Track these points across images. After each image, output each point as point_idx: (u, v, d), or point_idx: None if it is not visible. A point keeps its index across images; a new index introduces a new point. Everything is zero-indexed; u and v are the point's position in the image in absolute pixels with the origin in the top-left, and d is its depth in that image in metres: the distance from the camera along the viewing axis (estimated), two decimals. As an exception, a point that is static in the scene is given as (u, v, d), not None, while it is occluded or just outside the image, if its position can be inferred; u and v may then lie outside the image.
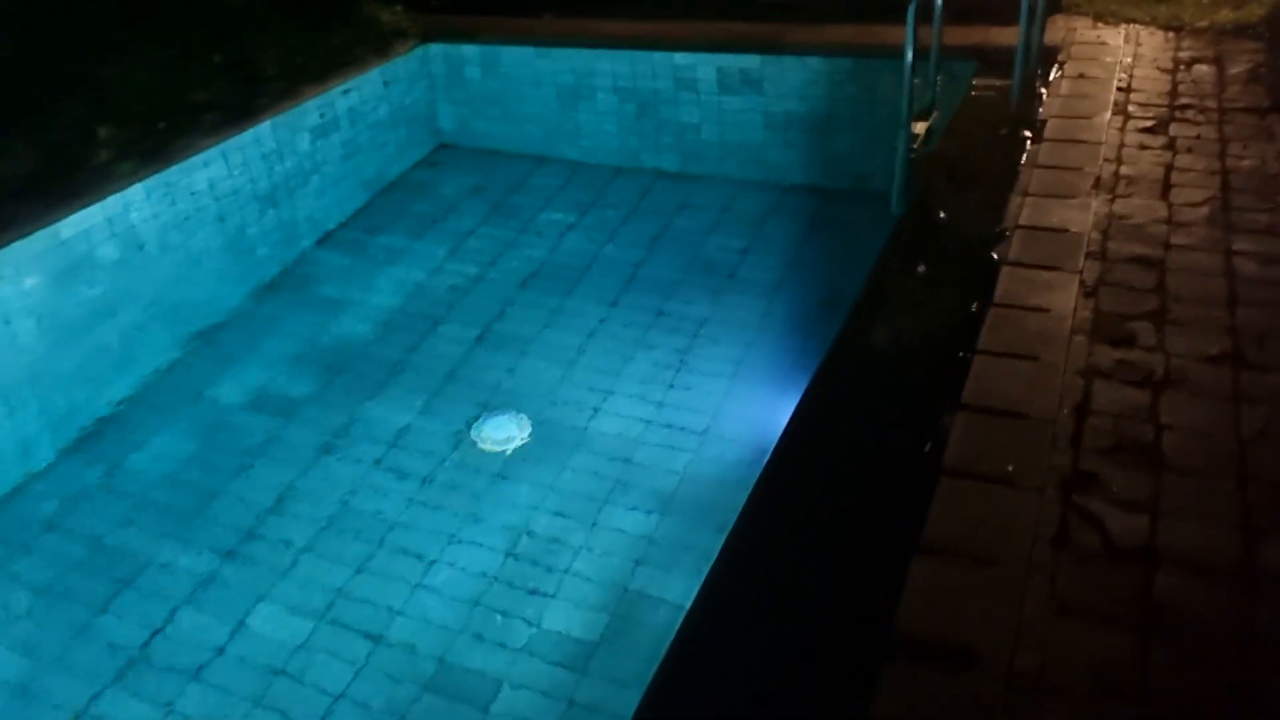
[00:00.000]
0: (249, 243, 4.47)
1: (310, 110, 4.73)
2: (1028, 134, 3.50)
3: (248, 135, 4.39)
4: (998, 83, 4.04)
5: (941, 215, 3.11)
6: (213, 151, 4.23)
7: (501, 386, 3.88)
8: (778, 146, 4.98)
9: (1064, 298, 2.54)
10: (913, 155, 3.57)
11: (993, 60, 4.28)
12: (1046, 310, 2.51)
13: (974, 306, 2.55)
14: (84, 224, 3.74)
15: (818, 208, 4.83)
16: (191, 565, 3.20)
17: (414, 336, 4.18)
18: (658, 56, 4.96)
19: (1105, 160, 3.28)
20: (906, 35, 3.32)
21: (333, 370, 4.02)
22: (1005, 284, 2.62)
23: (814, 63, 4.73)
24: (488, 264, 4.64)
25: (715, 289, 4.32)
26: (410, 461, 3.55)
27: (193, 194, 4.14)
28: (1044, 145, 3.42)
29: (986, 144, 3.54)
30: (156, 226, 4.00)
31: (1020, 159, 3.33)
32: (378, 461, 3.56)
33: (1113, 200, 3.02)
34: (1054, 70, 4.08)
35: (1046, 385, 2.25)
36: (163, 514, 3.41)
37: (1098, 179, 3.15)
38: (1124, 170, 3.21)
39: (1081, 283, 2.60)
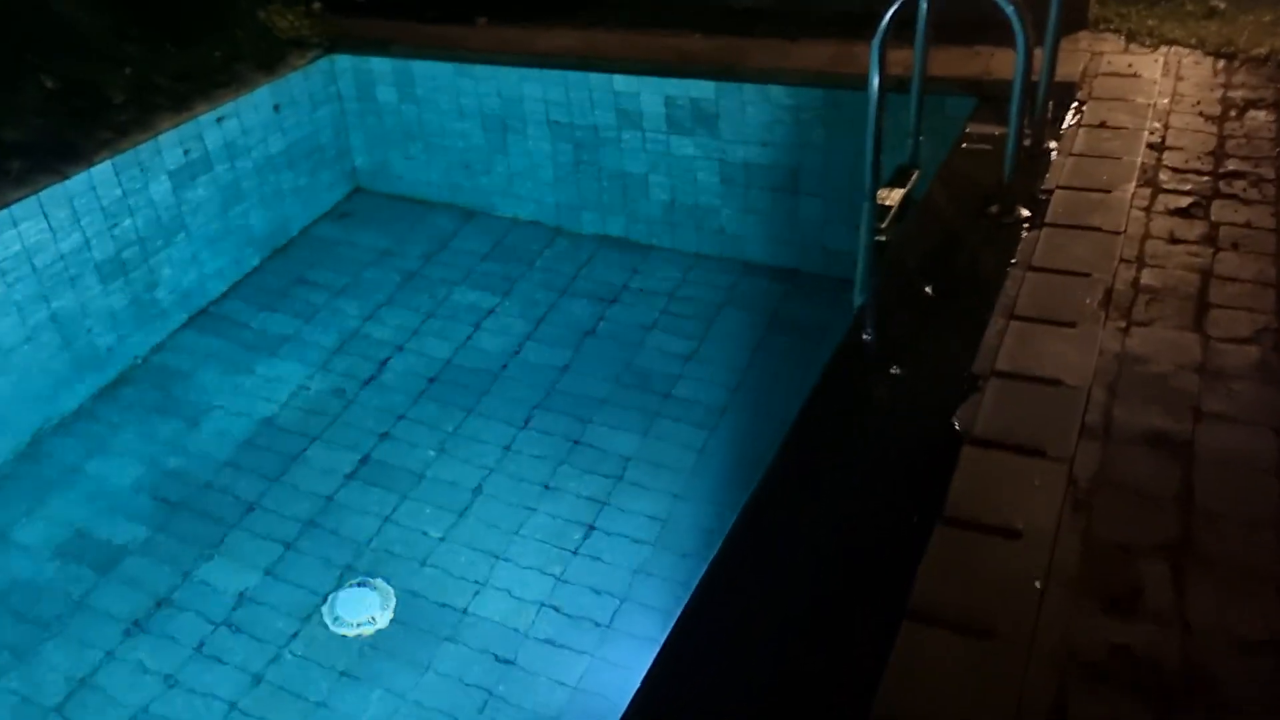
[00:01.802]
0: (85, 326, 3.84)
1: (169, 146, 4.04)
2: (1025, 214, 2.84)
3: (78, 182, 3.69)
4: (999, 131, 3.28)
5: (887, 357, 2.45)
6: (26, 204, 3.53)
7: (371, 543, 3.30)
8: (736, 210, 4.37)
9: (1043, 509, 1.87)
10: (881, 237, 2.92)
11: (998, 97, 3.38)
12: (1015, 534, 1.83)
13: (915, 519, 1.92)
14: None
15: (780, 298, 4.22)
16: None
17: (278, 462, 3.60)
18: (595, 79, 4.33)
19: (1122, 260, 2.59)
20: (871, 63, 2.61)
21: (171, 507, 3.45)
22: (963, 479, 1.96)
23: (777, 94, 4.05)
24: (383, 361, 4.04)
25: (647, 412, 3.72)
26: (241, 648, 2.99)
27: (-8, 259, 3.50)
28: (1044, 233, 2.74)
29: (969, 226, 2.89)
30: None
31: (1011, 254, 2.66)
32: (199, 647, 2.99)
33: (1127, 329, 2.34)
34: (1069, 115, 3.38)
35: (1000, 688, 1.59)
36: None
37: (1109, 292, 2.48)
38: (1146, 278, 2.53)
39: (1071, 483, 1.93)
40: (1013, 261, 2.62)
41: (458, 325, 4.22)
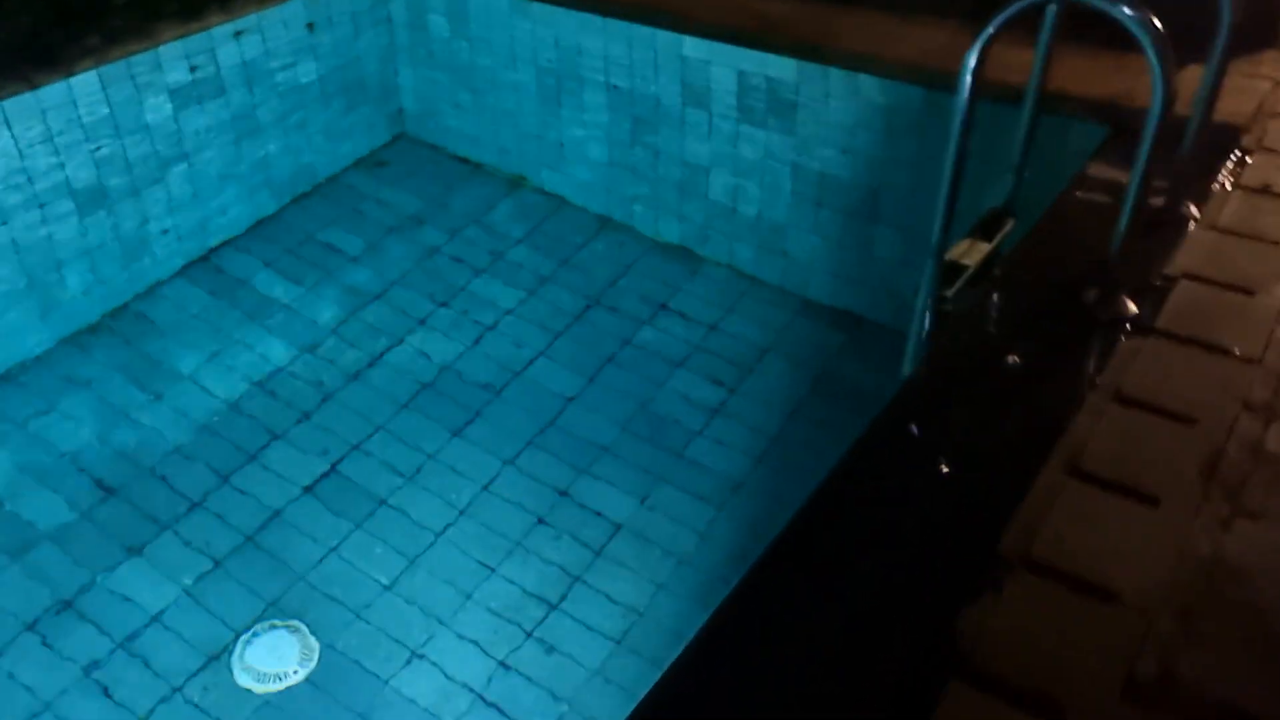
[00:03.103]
0: (55, 261, 3.54)
1: (172, 60, 3.63)
2: (1131, 309, 2.17)
3: (53, 92, 3.31)
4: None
5: (924, 449, 1.94)
6: None
7: (308, 576, 3.00)
8: (804, 231, 3.83)
9: None
10: (946, 304, 2.39)
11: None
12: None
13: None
14: None
15: (835, 351, 3.71)
16: None
17: (233, 458, 3.32)
18: (662, 39, 3.78)
19: (1248, 408, 1.90)
20: (961, 80, 2.09)
21: (106, 491, 3.20)
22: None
23: (868, 87, 3.44)
24: (378, 354, 3.70)
25: (652, 473, 3.30)
26: (132, 680, 2.74)
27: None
28: (1149, 343, 2.08)
29: (1049, 316, 2.25)
30: None
31: (1097, 370, 2.03)
32: (88, 669, 2.75)
33: (1230, 520, 1.71)
34: (1224, 169, 2.64)
35: None
36: None
37: (1218, 455, 1.83)
38: (1276, 442, 1.85)
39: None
40: (1096, 381, 2.01)
41: (469, 323, 3.84)
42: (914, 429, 2.02)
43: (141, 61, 3.57)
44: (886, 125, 3.50)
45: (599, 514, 3.20)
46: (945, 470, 1.87)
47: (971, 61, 2.13)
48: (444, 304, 3.91)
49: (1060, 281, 2.38)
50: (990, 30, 2.12)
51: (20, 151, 3.31)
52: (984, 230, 2.58)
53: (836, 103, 3.54)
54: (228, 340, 3.72)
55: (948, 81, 3.23)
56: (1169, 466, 1.85)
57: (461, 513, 3.20)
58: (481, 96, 4.44)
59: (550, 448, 3.40)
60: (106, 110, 3.50)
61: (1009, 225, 2.62)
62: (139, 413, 3.45)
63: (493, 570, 3.05)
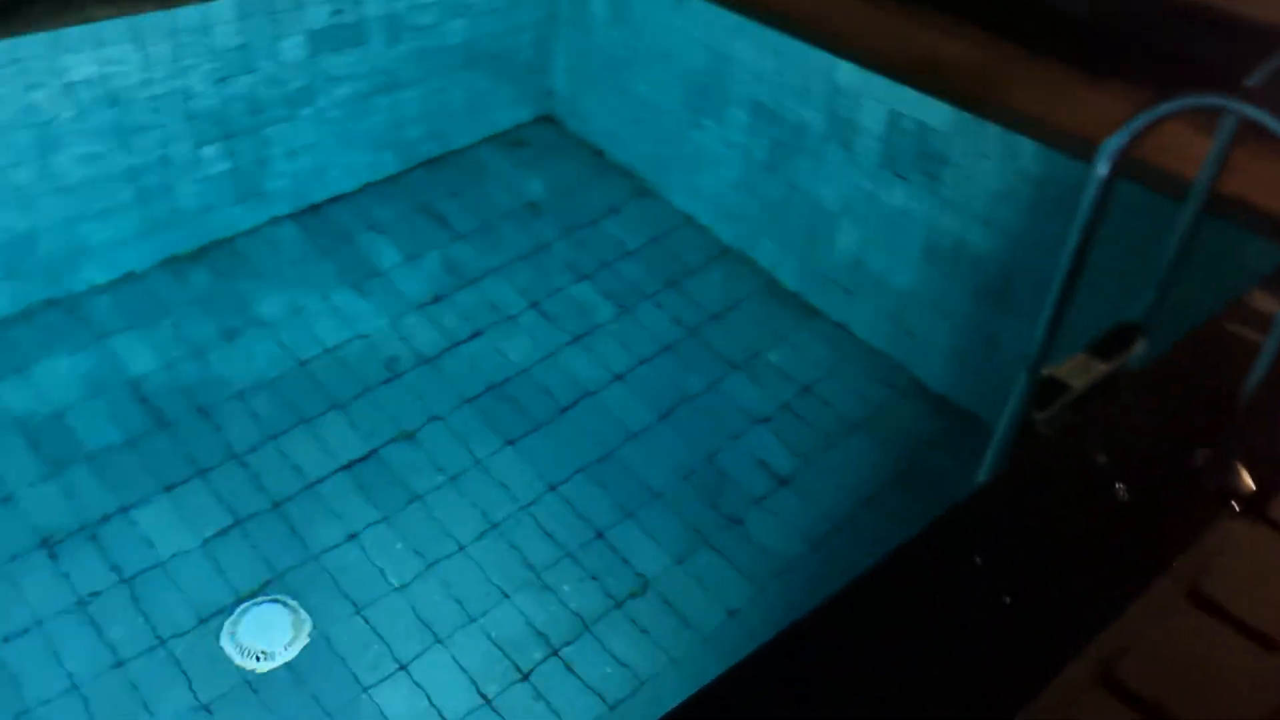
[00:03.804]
0: (167, 183, 3.58)
1: (314, 11, 3.62)
2: (1246, 483, 1.75)
3: (188, 14, 3.33)
4: None
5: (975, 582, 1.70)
6: (115, 25, 3.20)
7: (322, 558, 2.96)
8: (927, 302, 3.54)
9: None
10: (1040, 423, 2.11)
11: None
12: None
13: None
14: None
15: (930, 443, 3.42)
16: None
17: (286, 418, 3.31)
18: (816, 59, 3.52)
19: None
20: (1090, 180, 1.87)
21: (159, 423, 3.24)
22: None
23: (1026, 152, 3.11)
24: (457, 341, 3.63)
25: (699, 533, 3.12)
26: (123, 622, 2.75)
27: (66, 84, 3.20)
28: (1256, 534, 1.69)
29: (1150, 471, 1.83)
30: None
31: (1180, 549, 1.66)
32: (84, 600, 2.77)
33: None
34: None
35: None
36: None
37: None
38: None
39: None
40: (1173, 565, 1.63)
41: (557, 328, 3.72)
42: (974, 546, 1.78)
43: (288, -3, 3.62)
44: (1037, 200, 3.17)
45: (630, 564, 3.04)
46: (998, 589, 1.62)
47: (1112, 147, 1.85)
48: (536, 303, 3.81)
49: (1170, 431, 2.06)
50: (1141, 122, 1.84)
51: (147, 70, 3.36)
52: (1105, 347, 2.26)
53: (988, 164, 3.23)
54: (315, 295, 3.72)
55: (1124, 163, 2.91)
56: (1240, 698, 1.55)
57: (493, 528, 3.10)
58: (628, 90, 4.31)
59: (601, 480, 3.26)
60: (240, 41, 3.52)
61: (1138, 346, 2.29)
62: (210, 351, 3.49)
63: (506, 597, 2.94)
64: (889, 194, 3.53)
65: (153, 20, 3.30)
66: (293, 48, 3.66)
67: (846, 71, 3.48)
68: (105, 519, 2.98)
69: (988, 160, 3.23)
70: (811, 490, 3.28)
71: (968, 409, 3.55)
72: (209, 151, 3.63)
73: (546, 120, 4.68)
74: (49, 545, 2.90)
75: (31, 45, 3.06)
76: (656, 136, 4.28)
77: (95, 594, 2.81)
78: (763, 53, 3.70)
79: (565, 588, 2.98)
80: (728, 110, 3.92)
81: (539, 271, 3.95)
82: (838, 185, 3.67)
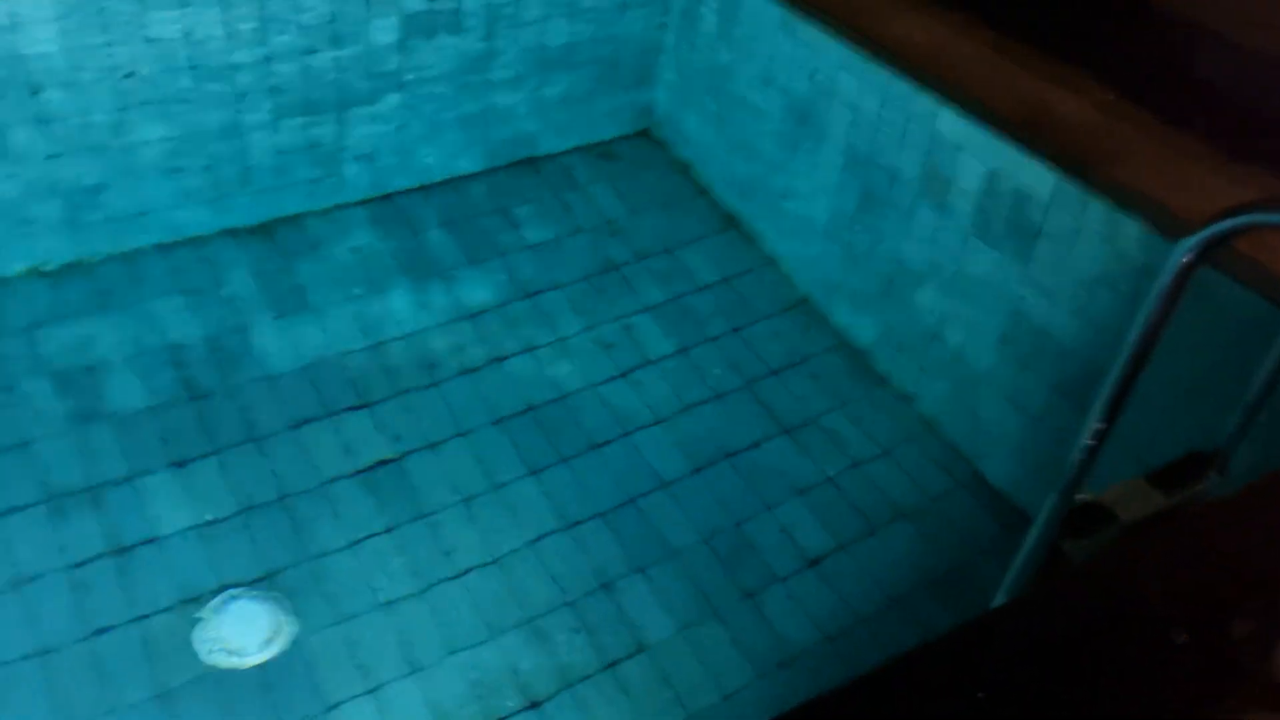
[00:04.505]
0: (239, 152, 3.58)
1: None
2: None
3: None
4: None
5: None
6: None
7: (315, 562, 2.91)
8: (1000, 389, 3.28)
9: None
10: (1073, 551, 1.92)
11: None
12: None
13: None
14: None
15: (985, 547, 3.16)
16: None
17: (312, 409, 3.27)
18: (919, 103, 3.30)
19: None
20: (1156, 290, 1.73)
21: (188, 394, 3.24)
22: None
23: (1129, 235, 2.82)
24: (502, 356, 3.54)
25: (713, 600, 2.96)
26: (104, 594, 2.74)
27: (148, 40, 3.22)
28: None
29: (1179, 626, 1.73)
30: (62, 66, 3.14)
31: None
32: (72, 565, 2.78)
33: None
34: None
35: None
36: None
37: None
38: None
39: None
40: None
41: (608, 359, 3.61)
42: (979, 678, 1.60)
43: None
44: (1135, 292, 2.88)
45: (631, 623, 2.90)
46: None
47: (1203, 235, 1.66)
48: (592, 328, 3.70)
49: (1213, 591, 1.83)
50: (1245, 221, 1.63)
51: (231, 36, 3.36)
52: (1169, 477, 2.02)
53: (1086, 245, 2.97)
54: (371, 287, 3.69)
55: (1237, 265, 2.63)
56: None
57: (495, 561, 3.00)
58: (727, 113, 4.16)
59: (619, 528, 3.13)
60: (329, 14, 3.49)
61: (1209, 481, 2.06)
62: (254, 328, 3.48)
63: (493, 637, 2.83)
64: (975, 263, 3.30)
65: (242, -12, 3.33)
66: (384, 29, 3.62)
67: (948, 120, 3.26)
68: (112, 484, 2.98)
69: (1086, 239, 2.97)
70: (839, 577, 3.09)
71: (1030, 515, 3.30)
72: (287, 125, 3.63)
73: (643, 136, 4.57)
74: (52, 502, 2.92)
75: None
76: (749, 167, 4.13)
77: (83, 561, 2.81)
78: (866, 90, 3.50)
79: (558, 637, 2.86)
80: (823, 148, 3.74)
81: (602, 295, 3.85)
82: (924, 246, 3.45)
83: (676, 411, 3.49)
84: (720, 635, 2.92)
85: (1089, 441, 1.94)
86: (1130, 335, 1.87)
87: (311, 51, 3.52)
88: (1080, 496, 1.99)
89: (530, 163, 4.30)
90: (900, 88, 3.38)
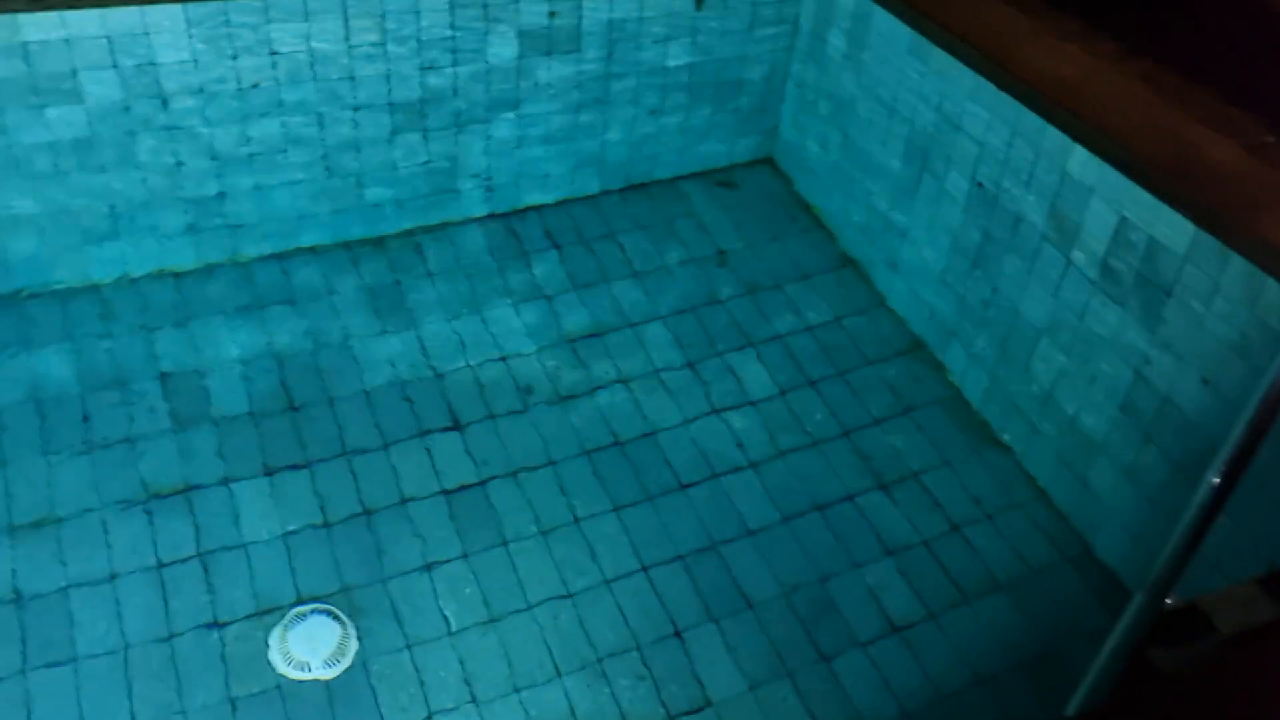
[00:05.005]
0: (354, 167, 3.68)
1: (529, 9, 3.58)
2: None
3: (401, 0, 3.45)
4: None
5: None
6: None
7: (390, 582, 2.95)
8: (1117, 461, 3.07)
9: None
10: (1162, 661, 1.80)
11: None
12: None
13: None
14: (61, 30, 3.08)
15: (1089, 631, 2.92)
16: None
17: (405, 427, 3.32)
18: (1051, 140, 3.12)
19: None
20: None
21: (286, 403, 3.34)
22: None
23: (1272, 297, 2.61)
24: (595, 386, 3.53)
25: (788, 661, 2.86)
26: (184, 595, 2.84)
27: (272, 53, 3.34)
28: None
29: None
30: (188, 78, 3.28)
31: None
32: (160, 564, 2.89)
33: None
34: None
35: None
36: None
37: None
38: None
39: None
40: None
41: (702, 396, 3.54)
42: None
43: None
44: (1267, 360, 2.67)
45: (699, 676, 2.83)
46: None
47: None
48: (693, 364, 3.65)
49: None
50: None
51: (352, 50, 3.46)
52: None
53: (1222, 304, 2.75)
54: (474, 307, 3.74)
55: None
56: None
57: (568, 597, 2.98)
58: (850, 143, 4.05)
59: (696, 574, 3.07)
60: (448, 31, 3.55)
61: None
62: (358, 341, 3.57)
63: (558, 675, 2.81)
64: (1098, 319, 3.11)
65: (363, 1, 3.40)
66: (502, 45, 3.67)
67: (1080, 159, 3.07)
68: (204, 487, 3.11)
69: (1222, 299, 2.75)
70: (925, 648, 2.95)
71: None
72: (404, 141, 3.72)
73: (764, 164, 4.50)
74: (149, 500, 3.06)
75: (243, 10, 3.23)
76: (869, 201, 4.01)
77: (171, 562, 2.94)
78: (994, 122, 3.34)
79: (622, 682, 2.82)
80: (946, 184, 3.60)
81: (705, 329, 3.79)
82: (1045, 297, 3.27)
83: (770, 456, 3.41)
84: (790, 698, 2.83)
85: (1189, 532, 1.80)
86: (1249, 406, 1.72)
87: (430, 68, 3.59)
88: (1174, 599, 1.84)
89: (645, 187, 4.28)
90: (1032, 121, 3.20)
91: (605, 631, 2.93)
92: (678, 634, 2.94)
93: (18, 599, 2.81)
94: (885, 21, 3.71)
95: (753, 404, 3.57)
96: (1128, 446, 3.08)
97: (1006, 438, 3.49)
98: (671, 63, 4.00)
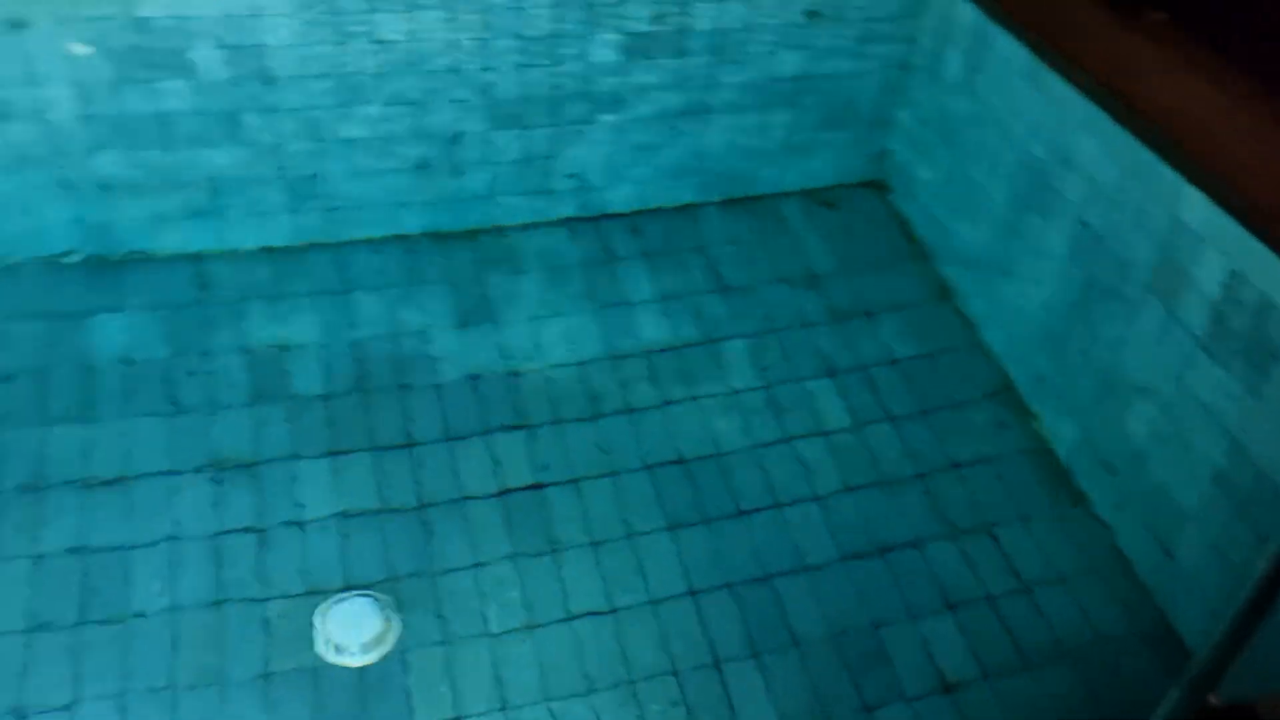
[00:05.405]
0: (456, 159, 3.72)
1: (635, 12, 3.55)
2: None
3: None
4: None
5: None
6: None
7: (438, 578, 2.97)
8: (1204, 536, 2.89)
9: None
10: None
11: None
12: None
13: None
14: (177, 7, 3.19)
15: (1152, 706, 2.82)
16: None
17: (471, 424, 3.35)
18: (1163, 180, 2.94)
19: None
20: None
21: (360, 388, 3.40)
22: None
23: None
24: (667, 400, 3.49)
25: (826, 703, 2.79)
26: (237, 565, 2.92)
27: (376, 42, 3.40)
28: None
29: None
30: (294, 61, 3.36)
31: None
32: (217, 533, 2.97)
33: None
34: None
35: None
36: None
37: None
38: None
39: None
40: None
41: (774, 420, 3.46)
42: None
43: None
44: None
45: (734, 711, 2.78)
46: None
47: None
48: (769, 386, 3.58)
49: None
50: None
51: (454, 44, 3.48)
52: None
53: None
54: (555, 308, 3.74)
55: None
56: None
57: (610, 612, 2.96)
58: (958, 170, 3.92)
59: (745, 604, 3.01)
60: (551, 29, 3.56)
61: None
62: (436, 333, 3.61)
63: (591, 691, 2.79)
64: (1199, 381, 2.93)
65: (468, -2, 3.46)
66: (605, 47, 3.66)
67: (1195, 204, 2.89)
68: (270, 461, 3.19)
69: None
70: (975, 711, 2.82)
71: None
72: (500, 136, 3.75)
73: (872, 186, 4.38)
74: (215, 470, 3.16)
75: (347, -1, 3.34)
76: (973, 234, 3.88)
77: (226, 531, 3.02)
78: (1106, 157, 3.19)
79: (654, 706, 2.78)
80: (1052, 222, 3.45)
81: (787, 352, 3.71)
82: (1145, 351, 3.11)
83: (837, 491, 3.32)
84: (821, 754, 2.76)
85: (1240, 621, 1.68)
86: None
87: (531, 65, 3.61)
88: (1218, 697, 1.72)
89: (743, 201, 4.23)
90: (1145, 158, 3.04)
91: (644, 652, 2.90)
92: (717, 664, 2.88)
93: (82, 551, 2.94)
94: (1005, 44, 3.58)
95: (826, 435, 3.48)
96: (1218, 521, 2.89)
97: (1091, 497, 3.33)
98: (778, 74, 3.93)
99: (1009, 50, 3.57)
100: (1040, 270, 3.53)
